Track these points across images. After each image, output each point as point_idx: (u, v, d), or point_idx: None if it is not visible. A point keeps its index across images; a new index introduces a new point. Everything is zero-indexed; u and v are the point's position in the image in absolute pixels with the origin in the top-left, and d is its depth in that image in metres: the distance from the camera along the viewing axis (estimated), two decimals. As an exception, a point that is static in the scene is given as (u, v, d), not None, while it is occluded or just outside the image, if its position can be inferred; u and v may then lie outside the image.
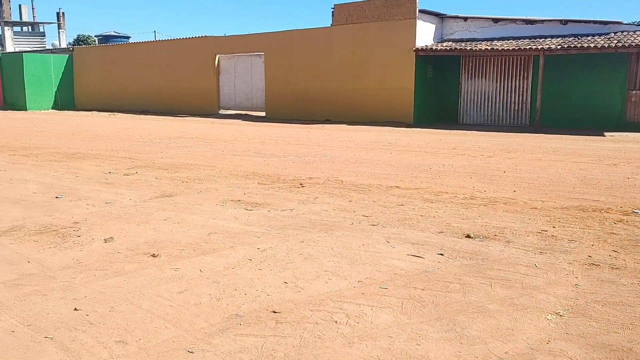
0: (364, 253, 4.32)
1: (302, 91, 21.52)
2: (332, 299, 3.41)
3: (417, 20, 18.71)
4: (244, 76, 24.16)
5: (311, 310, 3.24)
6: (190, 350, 2.76)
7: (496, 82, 18.71)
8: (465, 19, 19.97)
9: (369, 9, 19.51)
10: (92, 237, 4.77)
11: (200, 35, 25.28)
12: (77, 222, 5.30)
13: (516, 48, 17.21)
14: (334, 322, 3.08)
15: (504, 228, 5.10)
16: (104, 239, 4.70)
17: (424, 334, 2.94)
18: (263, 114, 22.95)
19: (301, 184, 7.33)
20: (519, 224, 5.25)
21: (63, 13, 48.38)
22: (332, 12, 20.47)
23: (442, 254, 4.30)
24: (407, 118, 18.95)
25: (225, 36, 24.88)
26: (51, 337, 2.91)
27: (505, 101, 18.64)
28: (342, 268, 3.98)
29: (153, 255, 4.27)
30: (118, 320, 3.11)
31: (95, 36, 50.94)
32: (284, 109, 21.91)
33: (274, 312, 3.22)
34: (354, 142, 12.92)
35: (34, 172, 8.37)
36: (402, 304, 3.35)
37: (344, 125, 18.76)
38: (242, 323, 3.07)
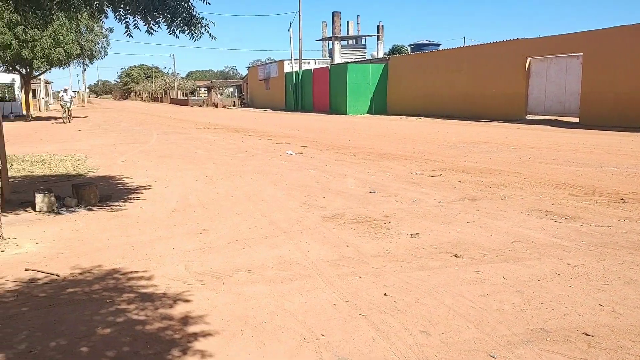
0: None
1: (626, 95, 18.87)
2: (661, 334, 2.92)
3: None
4: (556, 79, 22.45)
5: (632, 341, 2.84)
6: (492, 355, 2.73)
7: None
8: None
9: None
10: (400, 231, 5.13)
11: (510, 39, 24.56)
12: (387, 216, 5.76)
13: None
14: (664, 361, 2.63)
15: None
16: (410, 234, 5.00)
17: None
18: (576, 119, 20.95)
19: (622, 199, 6.45)
20: None
21: (382, 26, 53.12)
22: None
23: None
24: None
25: (538, 38, 23.59)
26: (364, 316, 3.25)
27: None
28: (675, 300, 3.36)
29: (455, 256, 4.35)
30: (422, 312, 3.28)
31: (408, 45, 54.37)
32: (602, 114, 19.58)
33: (586, 334, 2.93)
34: (694, 155, 10.73)
35: (351, 169, 9.43)
36: None
37: (681, 134, 15.74)
38: (548, 339, 2.89)
